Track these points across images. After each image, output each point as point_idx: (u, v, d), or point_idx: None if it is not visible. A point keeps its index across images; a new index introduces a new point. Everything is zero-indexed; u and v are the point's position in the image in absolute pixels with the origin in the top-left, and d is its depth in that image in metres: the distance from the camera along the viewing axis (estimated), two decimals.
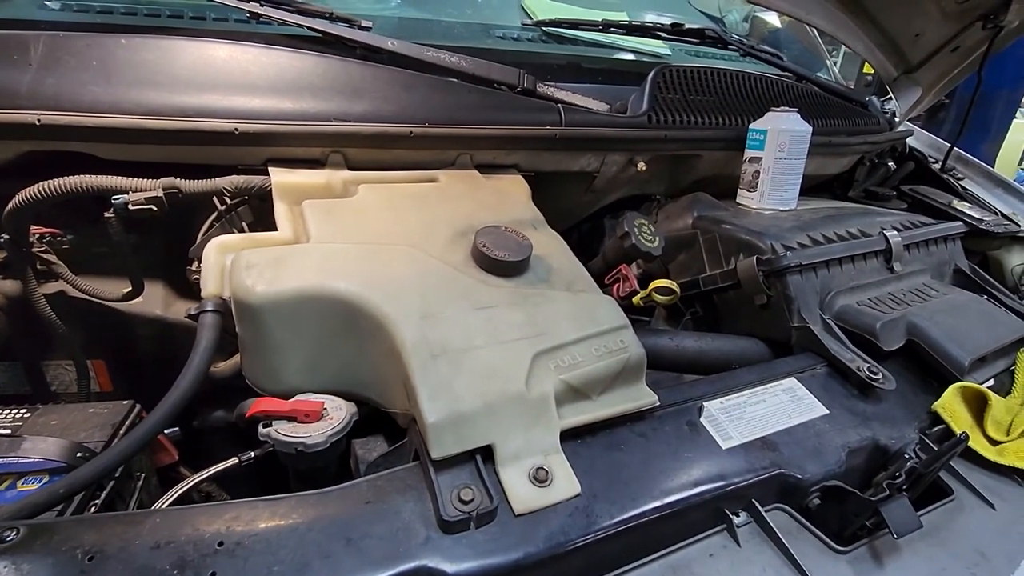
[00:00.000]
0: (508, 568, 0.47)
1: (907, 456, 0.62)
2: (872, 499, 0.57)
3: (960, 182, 1.52)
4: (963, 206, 1.28)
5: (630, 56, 1.25)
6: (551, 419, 0.55)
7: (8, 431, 0.60)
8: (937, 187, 1.47)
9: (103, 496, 0.56)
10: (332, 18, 0.90)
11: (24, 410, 0.64)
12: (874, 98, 1.66)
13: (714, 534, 0.56)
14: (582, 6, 1.46)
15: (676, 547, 0.54)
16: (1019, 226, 1.38)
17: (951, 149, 1.52)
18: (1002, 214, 1.42)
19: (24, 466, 0.56)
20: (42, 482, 0.56)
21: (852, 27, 1.36)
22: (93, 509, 0.54)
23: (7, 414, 0.62)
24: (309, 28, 0.85)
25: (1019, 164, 3.77)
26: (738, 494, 0.58)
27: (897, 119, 1.58)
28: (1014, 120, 3.63)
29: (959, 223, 1.06)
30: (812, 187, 1.37)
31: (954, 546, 0.59)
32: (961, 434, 0.60)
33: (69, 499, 0.52)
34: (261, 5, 0.84)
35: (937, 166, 1.54)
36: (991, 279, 1.01)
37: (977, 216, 1.24)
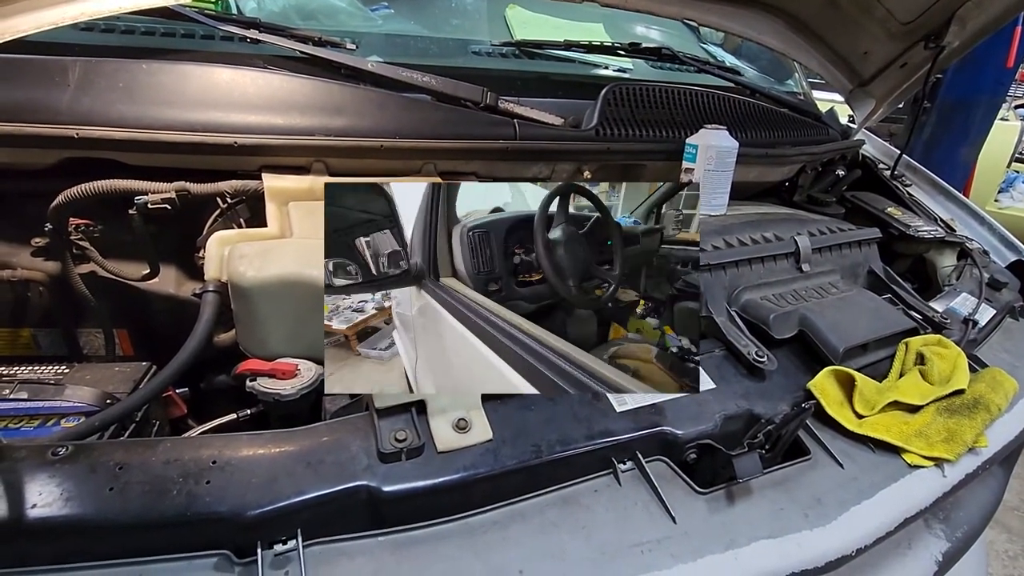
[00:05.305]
0: (428, 489, 0.62)
1: (768, 421, 0.77)
2: (731, 453, 0.72)
3: (907, 188, 1.65)
4: (896, 212, 1.41)
5: (595, 71, 1.38)
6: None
7: (53, 382, 0.76)
8: (885, 193, 1.60)
9: (126, 435, 0.73)
10: (320, 41, 1.04)
11: (64, 367, 0.80)
12: (835, 108, 1.78)
13: (601, 476, 0.71)
14: (564, 18, 1.59)
15: (568, 484, 0.69)
16: (954, 231, 1.51)
17: (900, 157, 1.64)
18: (941, 219, 1.55)
19: (67, 408, 0.72)
20: (79, 421, 0.72)
21: (804, 45, 1.47)
22: None
23: (52, 369, 0.79)
24: (300, 52, 1.00)
25: (1008, 165, 3.84)
26: (624, 446, 0.72)
27: (855, 127, 1.70)
28: (1004, 122, 3.70)
29: (875, 229, 1.18)
30: (760, 192, 1.50)
31: (798, 493, 0.74)
32: (809, 404, 0.74)
33: (101, 432, 0.68)
34: (260, 32, 0.99)
35: (889, 173, 1.66)
36: (900, 280, 1.14)
37: (905, 222, 1.36)
